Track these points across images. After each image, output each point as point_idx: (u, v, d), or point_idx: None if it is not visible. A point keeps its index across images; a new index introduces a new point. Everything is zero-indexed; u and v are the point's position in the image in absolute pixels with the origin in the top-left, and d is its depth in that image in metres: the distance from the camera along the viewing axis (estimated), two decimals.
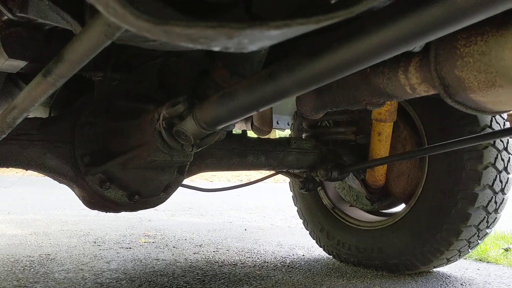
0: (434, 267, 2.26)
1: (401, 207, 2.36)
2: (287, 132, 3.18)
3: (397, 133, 2.23)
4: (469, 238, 2.05)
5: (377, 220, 2.40)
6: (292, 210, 3.59)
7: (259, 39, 0.43)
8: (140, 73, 1.64)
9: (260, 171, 2.28)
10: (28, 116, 1.25)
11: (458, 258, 2.18)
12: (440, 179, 2.03)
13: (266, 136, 2.42)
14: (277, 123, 2.92)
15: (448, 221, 2.00)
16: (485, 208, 1.98)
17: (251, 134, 2.31)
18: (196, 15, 0.46)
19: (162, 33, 0.41)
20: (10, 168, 1.59)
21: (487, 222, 2.03)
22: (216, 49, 0.45)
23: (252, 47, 0.46)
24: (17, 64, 1.35)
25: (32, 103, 0.83)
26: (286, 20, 0.40)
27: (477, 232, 2.04)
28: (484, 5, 0.54)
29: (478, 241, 2.11)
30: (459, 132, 1.95)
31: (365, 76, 1.24)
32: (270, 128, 2.40)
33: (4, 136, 1.06)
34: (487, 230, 2.08)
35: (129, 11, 0.40)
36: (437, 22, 0.59)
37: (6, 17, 1.15)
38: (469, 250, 2.14)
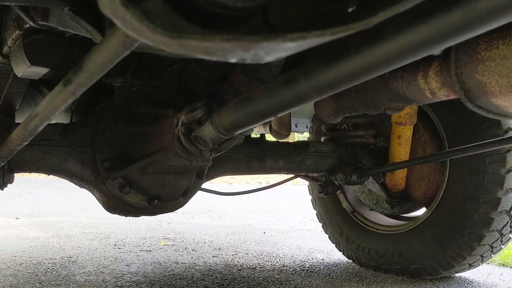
0: (456, 272, 2.22)
1: (421, 211, 2.32)
2: (305, 135, 3.17)
3: (417, 136, 2.20)
4: (492, 243, 2.01)
5: (397, 224, 2.38)
6: (311, 213, 3.57)
7: (275, 51, 0.43)
8: (159, 78, 1.65)
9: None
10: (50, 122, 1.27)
11: (480, 263, 2.14)
12: (461, 183, 2.00)
13: (285, 140, 2.42)
14: (296, 126, 2.91)
15: (470, 225, 1.96)
16: (508, 212, 1.94)
17: (269, 137, 2.30)
18: (212, 27, 0.46)
19: (178, 46, 0.41)
20: None
21: (511, 226, 1.99)
22: (233, 60, 0.45)
23: (269, 58, 0.46)
24: (39, 71, 1.37)
25: (53, 111, 0.85)
26: (302, 32, 0.40)
27: (500, 237, 2.01)
28: (505, 10, 0.53)
29: (501, 246, 2.07)
30: (481, 135, 1.91)
31: (384, 80, 1.22)
32: (288, 131, 2.40)
33: (26, 143, 1.08)
34: (510, 235, 2.04)
35: (145, 25, 0.40)
36: (457, 28, 0.58)
37: (28, 25, 1.16)
38: (492, 255, 2.10)
